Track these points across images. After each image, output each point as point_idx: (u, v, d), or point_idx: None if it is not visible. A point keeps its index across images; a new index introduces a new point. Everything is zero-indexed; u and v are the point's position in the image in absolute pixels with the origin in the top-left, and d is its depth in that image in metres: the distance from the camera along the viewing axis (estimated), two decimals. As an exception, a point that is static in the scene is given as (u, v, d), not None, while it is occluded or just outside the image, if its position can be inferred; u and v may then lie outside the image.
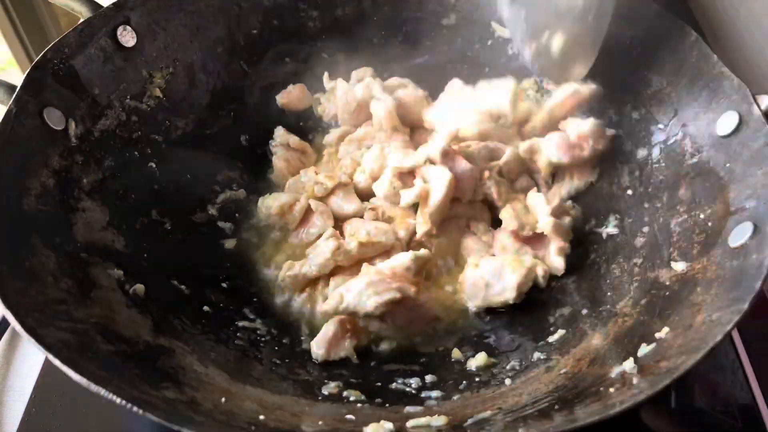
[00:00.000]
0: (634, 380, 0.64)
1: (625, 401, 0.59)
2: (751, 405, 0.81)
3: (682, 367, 0.59)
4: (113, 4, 0.98)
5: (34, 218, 0.78)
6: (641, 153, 0.95)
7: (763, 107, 0.80)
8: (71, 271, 0.77)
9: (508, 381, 0.79)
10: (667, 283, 0.78)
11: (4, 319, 0.95)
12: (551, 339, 0.84)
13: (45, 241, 0.77)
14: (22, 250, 0.73)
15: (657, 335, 0.70)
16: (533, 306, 0.91)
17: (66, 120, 0.89)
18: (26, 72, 0.86)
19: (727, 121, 0.83)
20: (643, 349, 0.70)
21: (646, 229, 0.89)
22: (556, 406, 0.66)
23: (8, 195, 0.77)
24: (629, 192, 0.95)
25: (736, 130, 0.81)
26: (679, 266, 0.79)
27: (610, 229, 0.95)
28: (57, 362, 0.59)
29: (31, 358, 0.92)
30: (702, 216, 0.81)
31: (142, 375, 0.67)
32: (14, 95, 0.82)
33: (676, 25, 0.93)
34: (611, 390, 0.64)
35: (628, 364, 0.68)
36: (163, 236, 0.95)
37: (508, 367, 0.82)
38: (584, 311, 0.86)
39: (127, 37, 1.00)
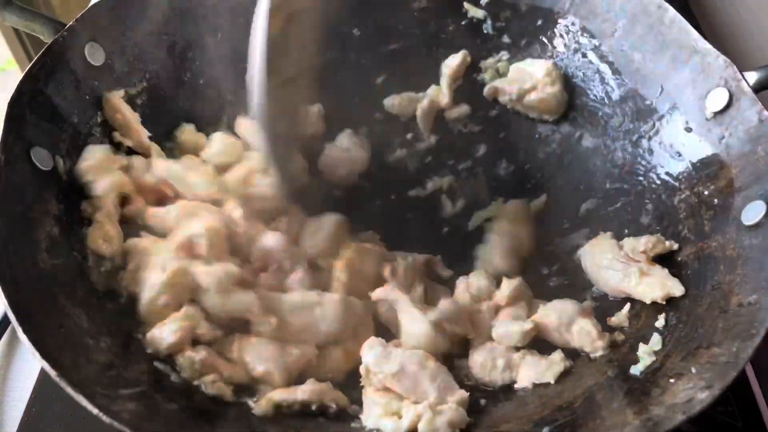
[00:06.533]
0: (693, 369, 0.68)
1: (699, 398, 0.63)
2: (752, 405, 0.83)
3: (743, 356, 0.64)
4: (77, 20, 0.90)
5: (53, 276, 0.74)
6: (631, 128, 0.99)
7: (752, 84, 0.84)
8: (105, 328, 0.74)
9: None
10: (686, 261, 0.83)
11: (3, 318, 0.91)
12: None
13: (71, 299, 0.73)
14: (54, 314, 0.69)
15: (693, 317, 0.75)
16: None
17: (53, 158, 0.83)
18: (5, 112, 0.78)
19: (716, 98, 0.85)
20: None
21: (649, 206, 0.93)
22: (615, 405, 0.70)
23: (23, 255, 0.72)
24: (625, 169, 0.99)
25: (727, 106, 0.84)
26: (693, 244, 0.83)
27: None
28: (148, 442, 0.57)
29: (31, 359, 0.87)
30: (706, 192, 0.85)
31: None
32: (-1, 140, 0.76)
33: (652, 2, 0.95)
34: (672, 381, 0.68)
35: (672, 347, 0.73)
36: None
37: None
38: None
39: (96, 54, 0.93)
